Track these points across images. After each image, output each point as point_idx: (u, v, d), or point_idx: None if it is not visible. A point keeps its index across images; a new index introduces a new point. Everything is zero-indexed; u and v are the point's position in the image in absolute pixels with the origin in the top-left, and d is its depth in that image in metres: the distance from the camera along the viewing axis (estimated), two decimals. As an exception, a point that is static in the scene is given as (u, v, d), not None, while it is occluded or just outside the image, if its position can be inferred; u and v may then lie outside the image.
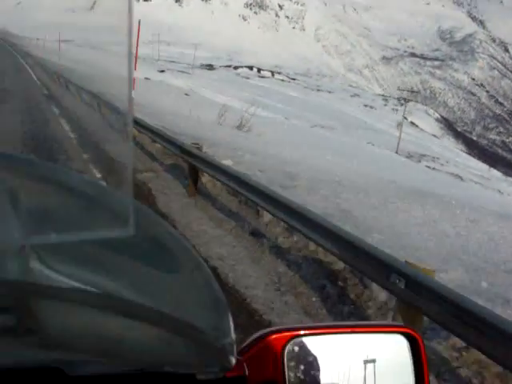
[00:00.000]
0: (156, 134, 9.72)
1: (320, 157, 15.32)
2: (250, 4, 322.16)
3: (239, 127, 17.00)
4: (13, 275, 0.58)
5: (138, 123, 10.14)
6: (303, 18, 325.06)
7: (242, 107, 37.39)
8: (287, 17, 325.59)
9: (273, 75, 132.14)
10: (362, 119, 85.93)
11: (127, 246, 0.70)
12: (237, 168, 7.23)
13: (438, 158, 53.09)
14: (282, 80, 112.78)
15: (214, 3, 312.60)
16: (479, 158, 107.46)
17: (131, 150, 0.81)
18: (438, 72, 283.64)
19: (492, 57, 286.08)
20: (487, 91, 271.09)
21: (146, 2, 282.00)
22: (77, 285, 0.59)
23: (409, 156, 44.91)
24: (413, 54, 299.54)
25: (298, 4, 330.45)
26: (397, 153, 41.34)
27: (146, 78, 39.25)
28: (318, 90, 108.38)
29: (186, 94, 28.54)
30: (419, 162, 45.28)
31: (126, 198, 0.67)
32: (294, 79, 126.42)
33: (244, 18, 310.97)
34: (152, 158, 10.25)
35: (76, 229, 0.67)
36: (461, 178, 39.64)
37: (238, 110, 28.36)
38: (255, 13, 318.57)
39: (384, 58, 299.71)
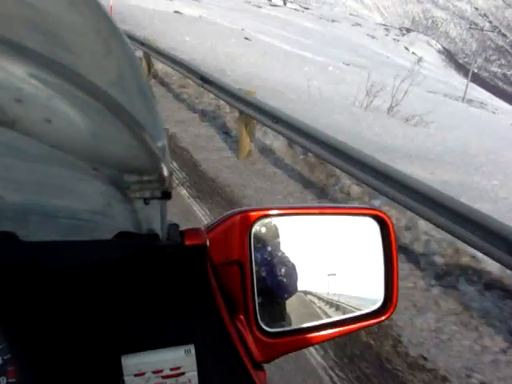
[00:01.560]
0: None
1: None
2: None
3: (390, 111, 11.48)
4: None
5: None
6: None
7: (271, 41, 32.26)
8: None
9: (285, 4, 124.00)
10: (382, 53, 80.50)
11: None
12: None
13: (485, 104, 48.46)
14: (296, 10, 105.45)
15: None
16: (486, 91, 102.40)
17: None
18: (440, 1, 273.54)
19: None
20: (490, 22, 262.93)
21: None
22: None
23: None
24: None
25: None
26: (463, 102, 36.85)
27: (177, 12, 33.42)
28: (333, 21, 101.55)
29: (247, 39, 22.75)
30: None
31: None
32: (307, 8, 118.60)
33: None
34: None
35: None
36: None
37: (265, 44, 23.28)
38: None
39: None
